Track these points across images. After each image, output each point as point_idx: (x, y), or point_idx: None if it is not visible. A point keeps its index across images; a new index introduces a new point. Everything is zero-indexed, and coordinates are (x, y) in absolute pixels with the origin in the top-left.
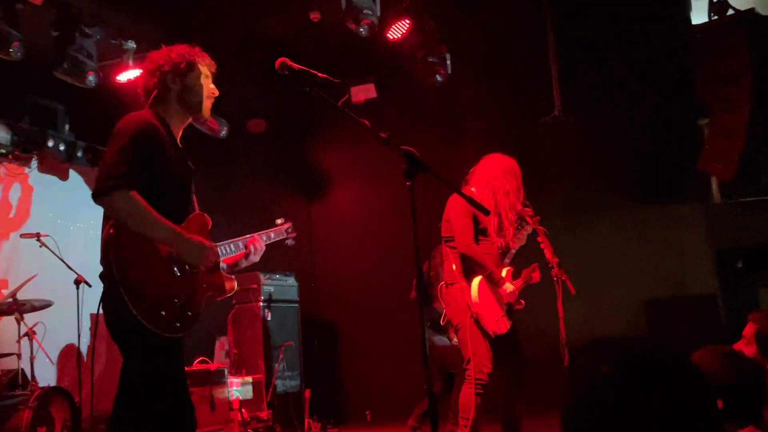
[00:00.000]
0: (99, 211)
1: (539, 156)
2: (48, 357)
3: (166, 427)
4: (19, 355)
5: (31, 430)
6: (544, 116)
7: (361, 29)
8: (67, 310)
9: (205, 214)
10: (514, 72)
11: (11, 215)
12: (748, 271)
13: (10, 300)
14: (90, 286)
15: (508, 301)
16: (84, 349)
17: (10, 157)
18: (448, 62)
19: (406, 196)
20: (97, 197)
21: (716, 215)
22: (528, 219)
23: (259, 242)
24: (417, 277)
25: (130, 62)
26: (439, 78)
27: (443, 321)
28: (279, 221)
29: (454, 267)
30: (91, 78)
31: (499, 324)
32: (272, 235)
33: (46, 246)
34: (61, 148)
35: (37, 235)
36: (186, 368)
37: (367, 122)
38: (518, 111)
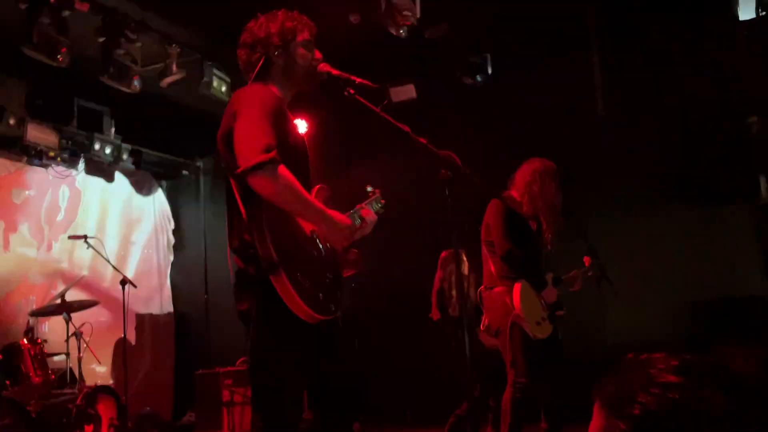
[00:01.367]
0: (145, 213)
1: (583, 157)
2: (95, 356)
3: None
4: (67, 355)
5: (79, 429)
6: (587, 116)
7: (401, 30)
8: (113, 311)
9: (327, 187)
10: (556, 72)
11: (60, 218)
12: None
13: (59, 301)
14: (135, 286)
15: (549, 304)
16: (129, 349)
17: (59, 160)
18: (489, 62)
19: (445, 196)
20: (254, 172)
21: (765, 215)
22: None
23: (370, 214)
24: (456, 284)
25: (174, 66)
26: (479, 78)
27: (483, 325)
28: (369, 189)
29: (493, 270)
30: (136, 82)
31: (540, 328)
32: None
33: (93, 248)
34: (107, 151)
35: (85, 237)
36: (229, 369)
37: (407, 128)
38: (561, 112)
